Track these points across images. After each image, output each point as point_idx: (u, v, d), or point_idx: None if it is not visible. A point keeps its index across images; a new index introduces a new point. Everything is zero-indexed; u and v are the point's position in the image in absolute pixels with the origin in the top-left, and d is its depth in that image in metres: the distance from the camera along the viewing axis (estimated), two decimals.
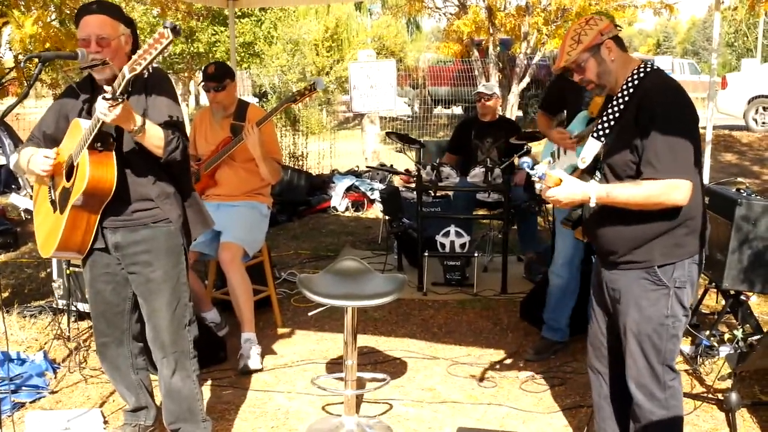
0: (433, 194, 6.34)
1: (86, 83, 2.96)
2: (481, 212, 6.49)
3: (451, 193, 6.33)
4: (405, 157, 6.92)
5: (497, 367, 4.26)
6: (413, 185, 6.04)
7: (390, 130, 9.76)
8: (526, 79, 14.38)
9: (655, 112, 2.47)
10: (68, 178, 2.83)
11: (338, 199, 8.88)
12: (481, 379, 4.09)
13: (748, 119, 14.87)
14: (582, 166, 2.71)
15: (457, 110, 19.84)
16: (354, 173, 9.87)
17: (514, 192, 5.68)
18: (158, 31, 2.40)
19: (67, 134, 2.89)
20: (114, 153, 2.76)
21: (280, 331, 4.85)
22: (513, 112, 14.14)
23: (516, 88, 14.14)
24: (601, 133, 2.66)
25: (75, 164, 2.77)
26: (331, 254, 6.86)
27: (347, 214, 8.83)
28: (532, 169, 2.47)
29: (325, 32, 21.89)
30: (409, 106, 20.84)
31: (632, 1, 13.55)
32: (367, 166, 9.38)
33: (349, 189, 9.07)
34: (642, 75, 2.59)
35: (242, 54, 19.47)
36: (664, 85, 2.56)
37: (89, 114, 2.88)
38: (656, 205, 2.48)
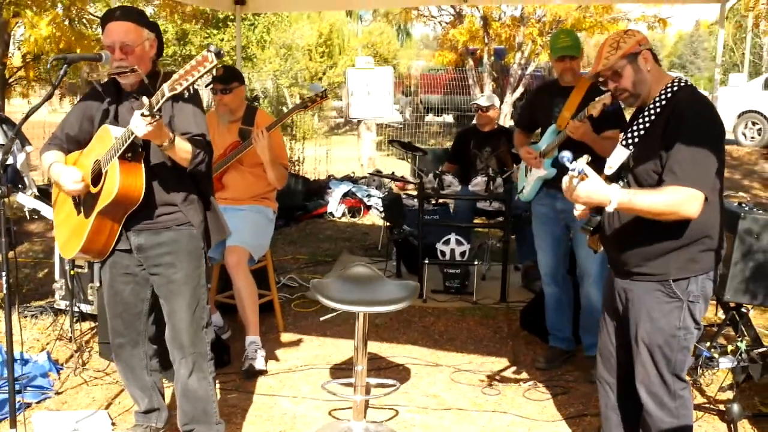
0: (434, 202, 6.38)
1: (110, 86, 2.98)
2: (479, 221, 6.54)
3: (450, 201, 6.37)
4: (399, 164, 6.97)
5: (500, 375, 4.29)
6: (414, 192, 6.08)
7: (392, 138, 9.78)
8: (520, 89, 14.49)
9: (682, 123, 2.51)
10: (95, 183, 2.85)
11: (335, 205, 8.90)
12: (485, 386, 4.12)
13: (737, 134, 15.04)
14: (608, 172, 2.71)
15: (449, 118, 19.91)
16: (350, 179, 9.89)
17: (514, 201, 5.73)
18: (202, 54, 2.43)
19: (95, 139, 2.91)
20: (142, 163, 2.80)
21: (283, 335, 4.86)
22: (506, 122, 14.23)
23: (509, 98, 14.24)
24: (629, 141, 2.68)
25: (104, 171, 2.79)
26: (329, 260, 6.88)
27: (344, 219, 8.85)
28: (571, 163, 2.42)
29: (319, 37, 21.91)
30: (400, 113, 20.90)
31: (626, 15, 13.70)
32: (368, 173, 9.40)
33: (345, 195, 9.09)
34: (675, 89, 2.63)
35: (233, 57, 19.45)
36: (694, 99, 2.61)
37: (116, 119, 2.91)
38: (671, 215, 2.49)
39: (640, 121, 2.67)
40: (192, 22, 16.09)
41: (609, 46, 2.69)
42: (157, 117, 2.54)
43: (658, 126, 2.60)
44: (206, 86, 4.66)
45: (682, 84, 2.65)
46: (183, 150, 2.77)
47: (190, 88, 2.47)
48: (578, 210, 2.79)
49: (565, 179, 2.52)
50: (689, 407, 2.76)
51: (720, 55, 4.68)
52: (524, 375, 4.28)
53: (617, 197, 2.45)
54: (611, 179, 2.68)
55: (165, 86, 2.49)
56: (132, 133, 2.60)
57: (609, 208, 2.48)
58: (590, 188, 2.47)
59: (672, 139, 2.51)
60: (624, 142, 2.70)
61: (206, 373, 3.08)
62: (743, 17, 29.76)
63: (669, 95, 2.62)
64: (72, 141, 3.02)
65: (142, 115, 2.51)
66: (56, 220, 3.16)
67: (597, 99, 3.63)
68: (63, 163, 2.96)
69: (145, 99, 2.53)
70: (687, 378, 2.75)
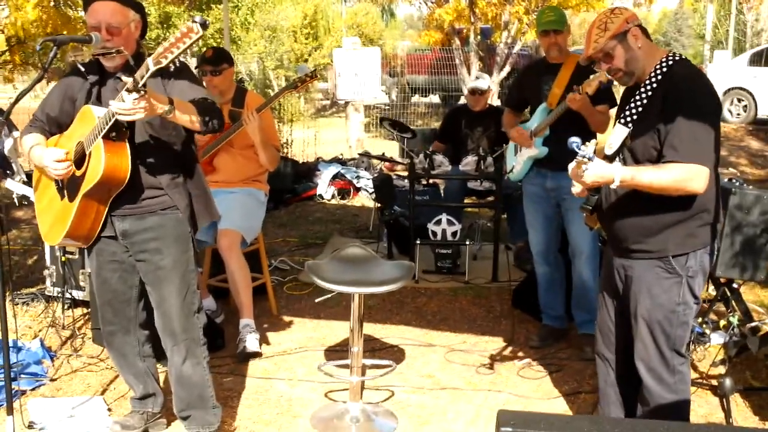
0: (424, 182, 6.37)
1: (93, 66, 2.91)
2: (470, 201, 6.54)
3: (441, 181, 6.37)
4: (388, 145, 6.96)
5: (494, 354, 4.32)
6: (404, 173, 6.07)
7: (383, 117, 9.75)
8: (507, 69, 14.43)
9: (681, 98, 2.52)
10: (78, 166, 2.80)
11: (324, 187, 8.87)
12: (479, 365, 4.14)
13: (723, 110, 15.09)
14: (609, 152, 2.73)
15: (435, 99, 19.86)
16: (339, 161, 9.86)
17: (505, 180, 5.74)
18: (186, 25, 2.37)
19: (77, 120, 2.85)
20: (127, 142, 2.75)
21: (276, 318, 4.85)
22: (493, 101, 14.18)
23: (496, 78, 14.17)
24: (628, 119, 2.69)
25: (87, 153, 2.74)
26: (320, 242, 6.87)
27: (333, 202, 8.83)
28: (580, 149, 2.44)
29: (304, 19, 21.75)
30: (386, 94, 20.82)
31: None
32: (359, 154, 9.37)
33: (335, 177, 9.06)
34: (670, 63, 2.63)
35: (218, 40, 19.29)
36: (691, 73, 2.61)
37: (99, 99, 2.86)
38: (677, 191, 2.51)
39: (637, 98, 2.66)
40: (177, 5, 15.92)
41: (597, 28, 2.69)
42: (143, 92, 2.47)
43: (655, 102, 2.60)
44: (195, 68, 4.61)
45: (677, 58, 2.65)
46: (188, 111, 2.71)
47: (176, 61, 2.41)
48: (577, 188, 2.79)
49: (572, 164, 2.52)
50: (687, 382, 2.79)
51: (709, 31, 4.67)
52: (518, 353, 4.30)
53: (620, 174, 2.48)
54: (611, 158, 2.69)
55: (149, 60, 2.43)
56: (113, 113, 2.54)
57: (613, 185, 2.50)
58: (596, 170, 2.49)
59: (671, 115, 2.51)
60: (622, 121, 2.70)
61: (200, 359, 3.06)
62: None
63: (665, 70, 2.62)
64: (53, 122, 2.96)
65: (127, 90, 2.44)
66: (38, 207, 3.10)
67: (592, 77, 3.61)
68: (44, 146, 2.90)
69: (126, 77, 2.46)
70: (685, 354, 2.77)
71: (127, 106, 2.49)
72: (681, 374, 2.75)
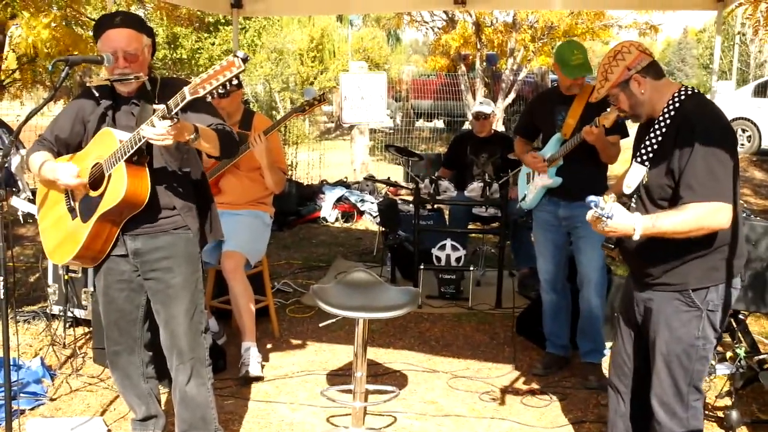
0: (429, 207, 6.37)
1: (105, 90, 2.92)
2: (474, 227, 6.53)
3: (446, 206, 6.36)
4: (392, 169, 6.97)
5: (497, 381, 4.28)
6: (408, 197, 6.07)
7: (386, 144, 9.77)
8: (512, 95, 14.48)
9: (694, 136, 2.47)
10: (94, 187, 2.81)
11: (328, 210, 8.88)
12: (483, 393, 4.10)
13: None
14: (627, 191, 2.69)
15: (440, 124, 19.93)
16: (343, 184, 9.87)
17: (509, 207, 5.73)
18: (227, 59, 2.40)
19: (95, 142, 2.86)
20: (146, 166, 2.78)
21: (278, 341, 4.83)
22: (498, 128, 14.23)
23: (501, 104, 14.23)
24: (645, 157, 2.65)
25: (107, 174, 2.75)
26: (323, 265, 6.85)
27: (337, 225, 8.83)
28: (598, 207, 2.41)
29: (310, 42, 21.90)
30: (391, 118, 20.89)
31: (617, 21, 13.74)
32: (363, 178, 9.38)
33: (339, 200, 9.07)
34: (683, 98, 2.60)
35: None
36: (704, 108, 2.58)
37: (114, 123, 2.88)
38: (700, 230, 2.46)
39: (651, 135, 2.63)
40: (185, 26, 16.04)
41: (600, 75, 2.69)
42: (176, 120, 2.51)
43: (669, 139, 2.57)
44: None
45: (689, 93, 2.62)
46: (210, 139, 2.76)
47: (213, 92, 2.43)
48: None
49: (589, 215, 2.47)
50: (700, 418, 2.73)
51: (717, 61, 4.69)
52: (521, 381, 4.27)
53: (641, 225, 2.44)
54: (629, 197, 2.66)
55: (186, 89, 2.46)
56: (142, 137, 2.57)
57: (635, 237, 2.45)
58: (616, 225, 2.45)
59: (684, 153, 2.48)
60: (639, 159, 2.67)
61: (205, 379, 3.04)
62: (731, 26, 30.03)
63: (677, 106, 2.59)
64: (62, 143, 2.97)
65: (162, 117, 2.48)
66: (42, 225, 3.09)
67: (609, 110, 3.54)
68: (54, 161, 2.90)
69: (156, 105, 2.49)
70: (701, 389, 2.71)
71: (159, 131, 2.53)
72: (695, 410, 2.69)
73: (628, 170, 2.73)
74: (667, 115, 2.60)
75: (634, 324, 2.84)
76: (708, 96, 4.81)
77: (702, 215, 2.43)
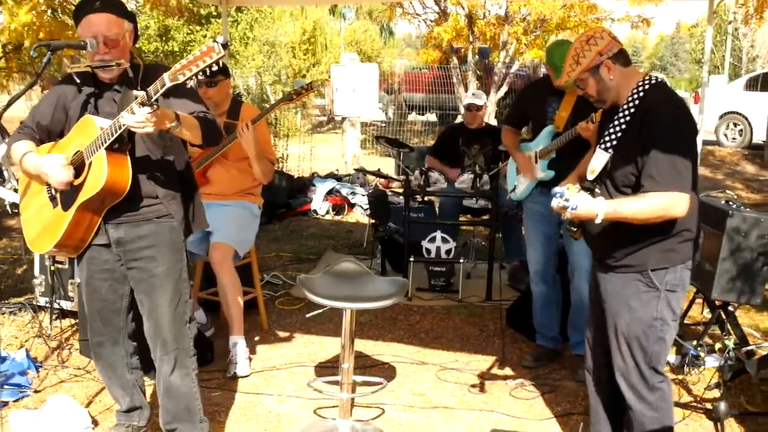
0: (419, 199, 6.34)
1: (87, 76, 2.87)
2: (465, 219, 6.51)
3: (436, 198, 6.34)
4: (384, 162, 6.94)
5: (486, 373, 4.26)
6: (399, 190, 6.04)
7: (378, 135, 9.75)
8: (504, 88, 14.46)
9: (657, 127, 2.57)
10: (75, 176, 2.76)
11: (319, 203, 8.84)
12: (472, 385, 4.09)
13: (719, 135, 15.16)
14: (591, 177, 2.76)
15: (432, 117, 19.91)
16: (334, 176, 9.83)
17: (500, 199, 5.71)
18: (207, 45, 2.37)
19: (76, 129, 2.82)
20: (128, 154, 2.73)
21: (267, 333, 4.80)
22: (490, 121, 14.20)
23: (493, 97, 14.21)
24: (608, 144, 2.72)
25: (87, 163, 2.71)
26: (313, 257, 6.82)
27: (328, 217, 8.79)
28: (563, 197, 2.49)
29: (302, 35, 21.81)
30: (383, 111, 20.86)
31: (610, 14, 13.73)
32: (354, 170, 9.34)
33: (329, 192, 9.03)
34: (647, 87, 2.67)
35: None
36: (667, 99, 2.65)
37: (96, 110, 2.83)
38: (659, 218, 2.57)
39: (616, 123, 2.71)
40: (176, 17, 15.94)
41: (571, 59, 2.74)
42: (155, 107, 2.47)
43: (633, 127, 2.65)
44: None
45: (653, 82, 2.69)
46: (192, 127, 2.73)
47: (194, 78, 2.40)
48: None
49: (555, 203, 2.53)
50: (668, 401, 2.80)
51: (708, 53, 4.67)
52: (511, 373, 4.25)
53: (603, 210, 2.52)
54: (592, 183, 2.74)
55: (165, 76, 2.42)
56: (122, 125, 2.53)
57: (597, 221, 2.53)
58: (580, 211, 2.52)
59: (647, 143, 2.57)
60: (602, 146, 2.74)
61: (189, 370, 3.01)
62: (723, 21, 30.12)
63: (641, 94, 2.66)
64: (43, 130, 2.92)
65: (142, 104, 2.44)
66: (24, 214, 3.05)
67: None
68: (37, 153, 2.85)
69: (136, 91, 2.45)
70: (665, 371, 2.79)
71: (138, 119, 2.48)
72: (661, 391, 2.77)
73: (592, 156, 2.81)
74: (631, 104, 2.68)
75: (600, 306, 2.90)
76: (700, 89, 4.83)
77: (661, 204, 2.53)
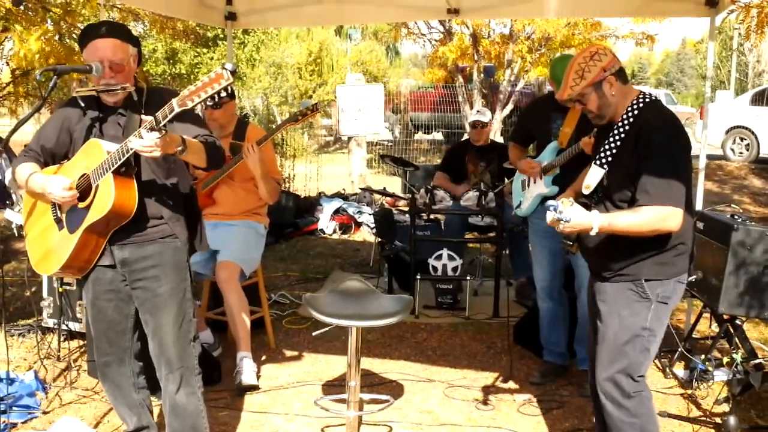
0: (425, 217, 6.35)
1: (91, 100, 2.91)
2: (471, 236, 6.51)
3: (442, 216, 6.34)
4: (390, 181, 6.96)
5: (494, 390, 4.25)
6: (405, 208, 6.05)
7: (384, 154, 9.78)
8: (509, 106, 14.50)
9: (652, 143, 2.63)
10: (81, 198, 2.80)
11: (326, 222, 8.87)
12: (479, 402, 4.08)
13: (725, 149, 15.14)
14: (586, 192, 2.83)
15: (438, 136, 19.96)
16: (341, 196, 9.86)
17: (506, 216, 5.71)
18: (215, 71, 2.40)
19: (82, 153, 2.85)
20: (134, 177, 2.77)
21: (274, 352, 4.80)
22: (496, 138, 14.24)
23: (499, 115, 14.24)
24: (603, 160, 2.79)
25: (95, 185, 2.75)
26: (320, 276, 6.83)
27: (335, 236, 8.81)
28: (557, 210, 2.54)
29: (309, 56, 21.97)
30: (389, 131, 20.93)
31: (614, 32, 13.77)
32: (360, 189, 9.37)
33: (336, 212, 9.06)
34: (642, 105, 2.74)
35: None
36: (662, 117, 2.72)
37: (101, 133, 2.87)
38: (652, 232, 2.63)
39: (611, 139, 2.77)
40: (182, 40, 16.10)
41: (575, 73, 2.77)
42: (164, 132, 2.51)
43: (628, 144, 2.71)
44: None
45: (647, 100, 2.76)
46: (197, 151, 2.78)
47: (200, 105, 2.43)
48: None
49: (550, 216, 2.58)
50: (648, 407, 2.84)
51: (711, 68, 4.68)
52: (518, 390, 4.24)
53: (598, 222, 2.57)
54: (588, 198, 2.81)
55: (174, 102, 2.46)
56: (131, 149, 2.57)
57: (592, 233, 2.59)
58: (575, 223, 2.57)
59: (642, 159, 2.63)
60: (598, 162, 2.80)
61: (194, 388, 3.02)
62: (729, 37, 30.19)
63: (636, 112, 2.73)
64: (48, 153, 2.95)
65: (150, 129, 2.47)
66: (29, 236, 3.07)
67: None
68: (42, 174, 2.88)
69: (144, 116, 2.49)
70: (641, 379, 2.82)
71: (147, 143, 2.53)
72: (639, 397, 2.80)
73: (588, 172, 2.86)
74: (626, 120, 2.74)
75: (596, 316, 2.93)
76: (708, 104, 4.84)
77: (655, 218, 2.59)
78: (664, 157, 2.61)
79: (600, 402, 2.93)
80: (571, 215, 2.52)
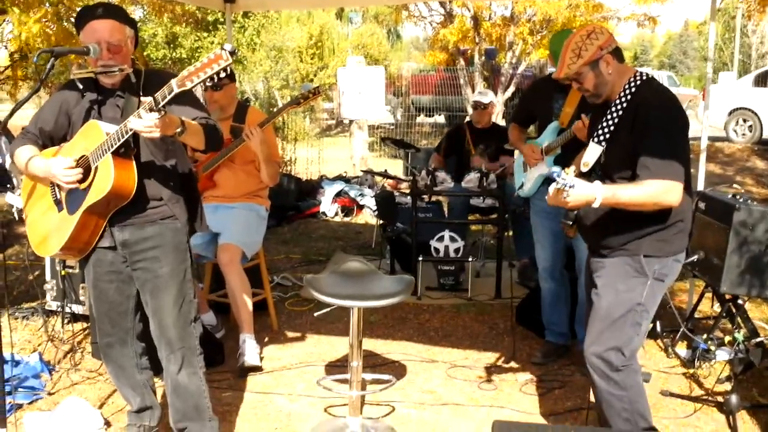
0: (427, 199, 6.35)
1: (89, 82, 2.90)
2: (473, 218, 6.51)
3: (444, 198, 6.34)
4: (392, 164, 6.95)
5: (496, 370, 4.27)
6: (407, 190, 6.05)
7: (385, 136, 9.77)
8: (511, 89, 14.47)
9: (650, 120, 2.65)
10: (81, 180, 2.79)
11: (327, 205, 8.87)
12: (481, 381, 4.09)
13: (728, 130, 15.09)
14: (585, 170, 2.84)
15: (440, 119, 19.93)
16: (343, 179, 9.86)
17: (508, 197, 5.71)
18: (215, 52, 2.40)
19: (81, 134, 2.84)
20: (133, 158, 2.77)
21: (277, 334, 4.82)
22: (498, 121, 14.21)
23: (500, 97, 14.20)
24: (601, 138, 2.80)
25: (94, 167, 2.75)
26: (323, 259, 6.84)
27: (337, 219, 8.82)
28: (561, 177, 2.52)
29: (309, 39, 21.88)
30: (391, 114, 20.89)
31: (615, 13, 13.72)
32: (362, 171, 9.37)
33: (338, 194, 9.06)
34: (639, 83, 2.76)
35: None
36: (658, 94, 2.74)
37: (100, 115, 2.87)
38: (654, 206, 2.65)
39: (608, 117, 2.79)
40: (182, 25, 16.03)
41: (572, 52, 2.78)
42: (163, 113, 2.51)
43: (625, 121, 2.73)
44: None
45: (644, 78, 2.77)
46: (196, 132, 2.78)
47: (200, 86, 2.44)
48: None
49: (552, 189, 2.58)
50: (637, 380, 2.86)
51: (712, 49, 4.66)
52: (521, 370, 4.26)
53: (601, 194, 2.58)
54: (586, 176, 2.79)
55: (173, 82, 2.46)
56: (130, 129, 2.57)
57: (594, 205, 2.59)
58: (578, 194, 2.56)
59: (641, 136, 2.65)
60: (596, 139, 2.82)
61: (196, 368, 3.04)
62: (731, 18, 29.99)
63: (633, 90, 2.75)
64: (46, 136, 2.95)
65: (150, 110, 2.48)
66: (29, 218, 3.07)
67: None
68: (42, 157, 2.88)
69: (144, 97, 2.49)
70: (631, 354, 2.84)
71: (147, 123, 2.53)
72: (627, 370, 2.82)
73: (585, 150, 2.88)
74: (623, 98, 2.76)
75: (592, 287, 2.96)
76: (710, 86, 4.81)
77: (656, 191, 2.60)
78: (662, 135, 2.63)
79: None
80: (575, 181, 2.52)
